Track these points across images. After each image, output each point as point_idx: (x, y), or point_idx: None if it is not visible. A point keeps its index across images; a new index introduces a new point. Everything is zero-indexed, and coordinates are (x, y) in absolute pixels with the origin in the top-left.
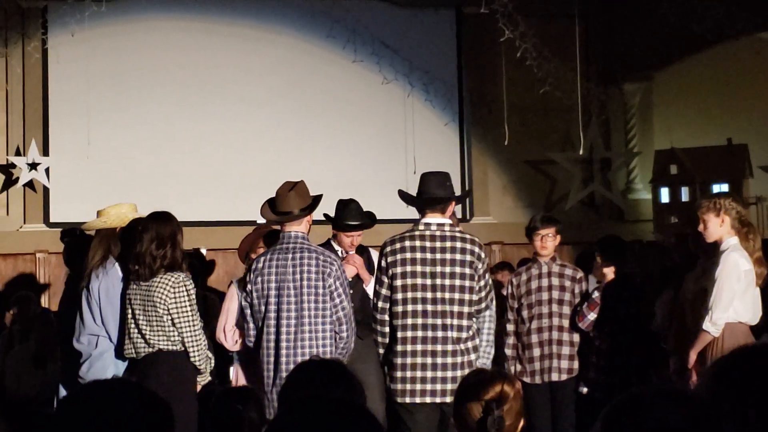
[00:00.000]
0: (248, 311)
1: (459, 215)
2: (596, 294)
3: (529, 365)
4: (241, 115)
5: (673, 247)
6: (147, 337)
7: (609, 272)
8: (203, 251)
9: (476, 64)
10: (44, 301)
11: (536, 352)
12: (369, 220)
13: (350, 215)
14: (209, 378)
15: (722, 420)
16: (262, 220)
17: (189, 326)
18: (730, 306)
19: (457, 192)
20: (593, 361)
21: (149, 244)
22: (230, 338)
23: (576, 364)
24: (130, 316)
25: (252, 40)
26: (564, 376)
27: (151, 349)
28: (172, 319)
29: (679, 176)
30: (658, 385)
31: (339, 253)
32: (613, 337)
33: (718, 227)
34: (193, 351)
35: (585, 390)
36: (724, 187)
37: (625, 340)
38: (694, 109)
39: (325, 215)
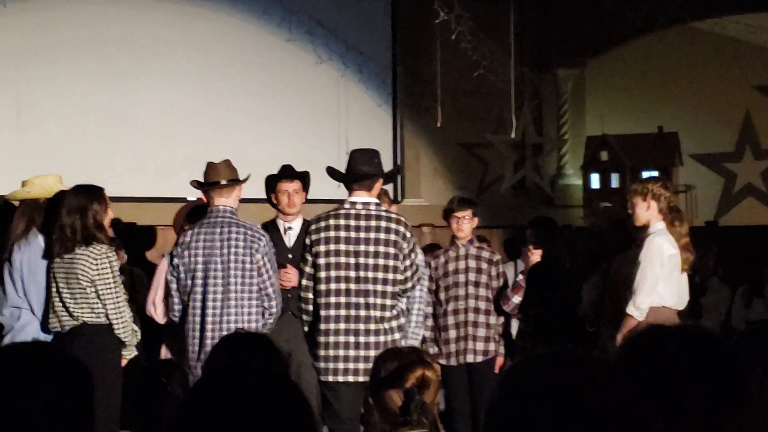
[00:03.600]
0: (174, 285)
1: (391, 197)
2: (521, 277)
3: (445, 347)
4: (174, 91)
5: (606, 231)
6: (71, 310)
7: (537, 253)
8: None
9: (411, 46)
10: None
11: (452, 333)
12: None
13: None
14: (135, 352)
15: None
16: (192, 197)
17: (113, 299)
18: (653, 290)
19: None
20: (518, 343)
21: (66, 215)
22: (160, 311)
23: (492, 346)
24: (54, 289)
25: (186, 15)
26: (480, 358)
27: (75, 323)
28: (96, 292)
29: (610, 163)
30: (554, 348)
31: (282, 230)
32: (538, 319)
33: (645, 211)
34: (118, 324)
35: None
36: (654, 174)
37: (550, 323)
38: (626, 96)
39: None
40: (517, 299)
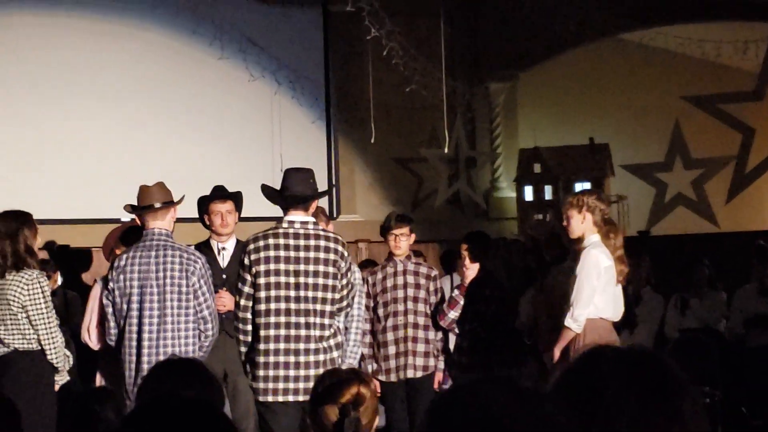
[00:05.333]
0: (110, 309)
1: (327, 213)
2: (456, 292)
3: (384, 363)
4: (105, 112)
5: (541, 244)
6: (2, 336)
7: (472, 268)
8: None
9: (343, 62)
10: None
11: (391, 350)
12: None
13: (218, 191)
14: (68, 377)
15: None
16: (126, 218)
17: (45, 324)
18: (590, 302)
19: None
20: (456, 358)
21: None
22: (94, 337)
23: (432, 362)
24: None
25: (115, 36)
26: (419, 374)
27: (6, 349)
28: (27, 318)
29: (543, 175)
30: (482, 375)
31: (216, 251)
32: (475, 334)
33: (580, 224)
34: (50, 350)
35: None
36: (587, 186)
37: (486, 338)
38: (558, 108)
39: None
40: (453, 314)
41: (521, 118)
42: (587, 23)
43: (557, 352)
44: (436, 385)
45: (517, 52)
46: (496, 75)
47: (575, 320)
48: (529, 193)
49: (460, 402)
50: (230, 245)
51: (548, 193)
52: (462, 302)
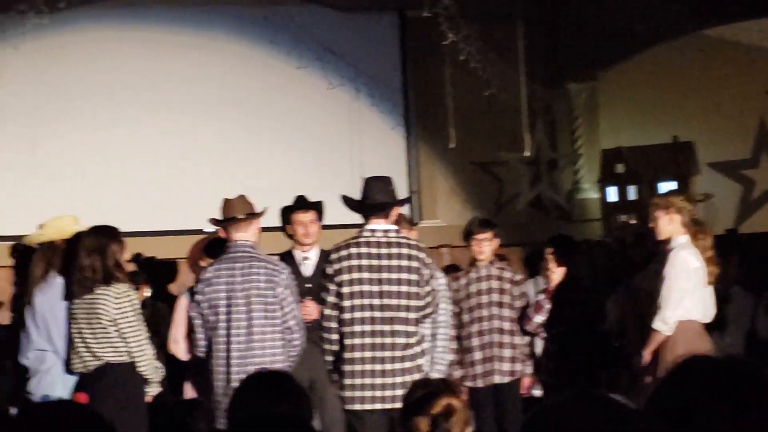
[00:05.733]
0: (198, 321)
1: (408, 220)
2: (542, 296)
3: (470, 369)
4: (187, 124)
5: (628, 246)
6: (94, 350)
7: (558, 272)
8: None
9: (421, 68)
10: None
11: (477, 355)
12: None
13: (300, 201)
14: (160, 388)
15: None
16: (209, 229)
17: (135, 337)
18: (680, 304)
19: (401, 196)
20: (544, 363)
21: (84, 257)
22: (182, 348)
23: (518, 367)
24: (75, 330)
25: (195, 49)
26: (506, 379)
27: (98, 363)
28: (117, 331)
29: (626, 175)
30: (573, 393)
31: (299, 261)
32: (561, 338)
33: (667, 225)
34: (141, 362)
35: (539, 393)
36: (672, 185)
37: (573, 342)
38: (640, 107)
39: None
40: (538, 318)
41: (602, 118)
42: (667, 20)
43: (647, 355)
44: (523, 390)
45: (597, 52)
46: (575, 76)
47: (665, 322)
48: (612, 194)
49: (552, 421)
50: (313, 255)
51: (632, 193)
52: (547, 306)
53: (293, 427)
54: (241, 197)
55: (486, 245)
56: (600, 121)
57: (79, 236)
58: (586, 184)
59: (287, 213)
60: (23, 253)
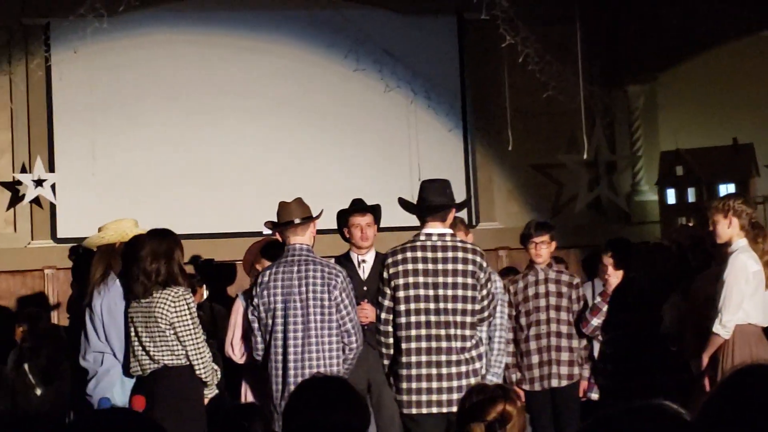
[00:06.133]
0: (255, 325)
1: (466, 223)
2: (599, 299)
3: (528, 372)
4: (244, 127)
5: (687, 249)
6: (151, 353)
7: (615, 275)
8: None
9: (478, 70)
10: (54, 318)
11: (535, 359)
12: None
13: (357, 204)
14: (216, 391)
15: None
16: (267, 232)
17: (192, 340)
18: (739, 308)
19: (459, 198)
20: (601, 366)
21: (145, 260)
22: (238, 351)
23: (576, 370)
24: (133, 333)
25: (253, 52)
26: (564, 382)
27: (156, 366)
28: (175, 334)
29: (685, 177)
30: (630, 403)
31: (356, 263)
32: (618, 341)
33: (726, 228)
34: (198, 365)
35: (596, 396)
36: (731, 187)
37: (630, 345)
38: (699, 109)
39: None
40: (596, 321)
41: (662, 120)
42: (727, 22)
43: (705, 359)
44: (581, 394)
45: (656, 53)
46: (634, 77)
47: (724, 326)
48: (671, 197)
49: None
50: (370, 257)
51: (691, 195)
52: (605, 309)
53: None
54: (298, 200)
55: (544, 248)
56: (659, 123)
57: (138, 239)
58: (645, 187)
59: (344, 216)
60: (83, 255)
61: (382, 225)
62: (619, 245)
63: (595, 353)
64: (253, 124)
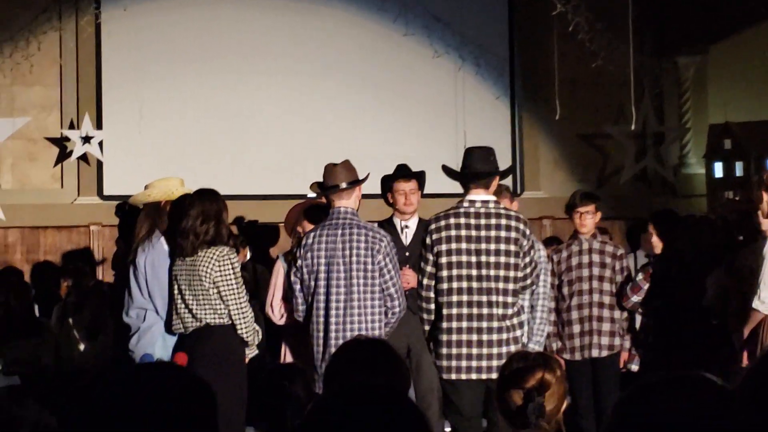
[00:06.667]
0: (298, 286)
1: (511, 191)
2: (640, 276)
3: (569, 342)
4: (291, 88)
5: (735, 223)
6: (194, 311)
7: (659, 247)
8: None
9: (528, 38)
10: (98, 274)
11: (576, 328)
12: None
13: (402, 170)
14: (257, 351)
15: (747, 410)
16: (312, 194)
17: (235, 299)
18: None
19: (503, 166)
20: (641, 338)
21: (194, 220)
22: (277, 312)
23: (617, 341)
24: (176, 291)
25: (301, 13)
26: (605, 353)
27: (198, 324)
28: (218, 293)
29: (734, 151)
30: (670, 373)
31: (399, 229)
32: (660, 313)
33: None
34: (240, 324)
35: (635, 368)
36: None
37: (673, 317)
38: (750, 82)
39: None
40: (635, 298)
41: (711, 92)
42: None
43: (746, 334)
44: (621, 365)
45: (707, 25)
46: (685, 49)
47: (763, 302)
48: (718, 170)
49: (647, 401)
50: (413, 223)
51: (739, 169)
52: (645, 287)
53: (390, 397)
54: (345, 163)
55: (588, 218)
56: (709, 96)
57: (187, 198)
58: (692, 159)
59: (388, 181)
60: (128, 212)
61: (426, 191)
62: (665, 216)
63: (637, 325)
64: (300, 86)
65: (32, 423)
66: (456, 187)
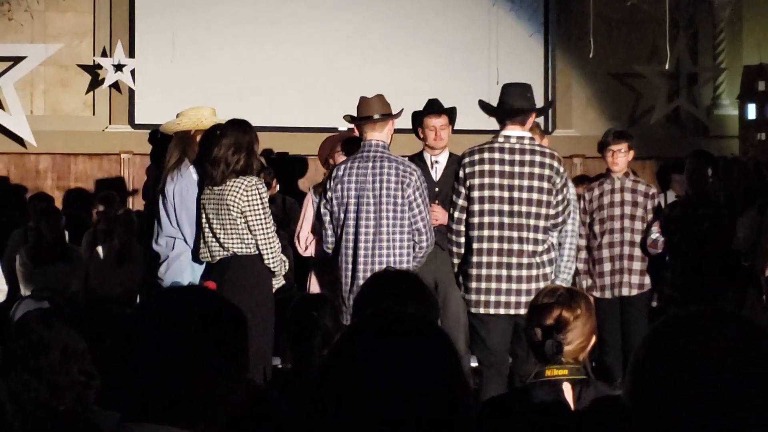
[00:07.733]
0: (327, 218)
1: (542, 128)
2: (656, 235)
3: (599, 280)
4: (325, 22)
5: (765, 166)
6: (222, 240)
7: (691, 187)
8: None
9: None
10: (129, 202)
11: (607, 266)
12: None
13: (433, 105)
14: (284, 281)
15: None
16: (344, 128)
17: (262, 229)
18: None
19: (539, 104)
20: (667, 276)
21: (227, 149)
22: (303, 244)
23: (647, 280)
24: (204, 220)
25: None
26: (635, 291)
27: (226, 253)
28: (246, 223)
29: (767, 93)
30: (701, 307)
31: (429, 164)
32: (687, 254)
33: None
34: (267, 254)
35: (655, 304)
36: None
37: (699, 258)
38: None
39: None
40: (654, 252)
41: (746, 33)
42: None
43: None
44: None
45: None
46: None
47: None
48: (752, 112)
49: (677, 334)
50: (443, 159)
51: None
52: (662, 240)
53: (420, 326)
54: (379, 96)
55: (621, 157)
56: (744, 37)
57: (220, 128)
58: (726, 100)
59: (419, 116)
60: (160, 141)
61: (456, 127)
62: (700, 156)
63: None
64: (332, 21)
65: (61, 347)
66: (487, 124)
